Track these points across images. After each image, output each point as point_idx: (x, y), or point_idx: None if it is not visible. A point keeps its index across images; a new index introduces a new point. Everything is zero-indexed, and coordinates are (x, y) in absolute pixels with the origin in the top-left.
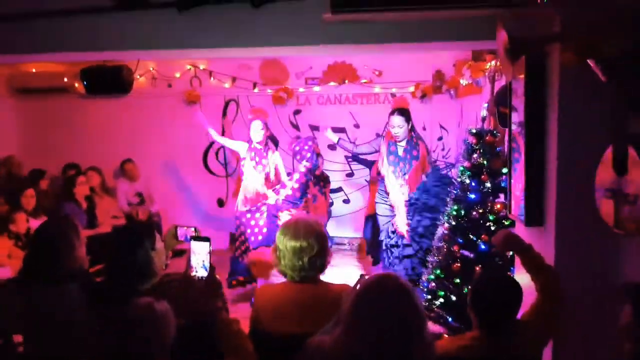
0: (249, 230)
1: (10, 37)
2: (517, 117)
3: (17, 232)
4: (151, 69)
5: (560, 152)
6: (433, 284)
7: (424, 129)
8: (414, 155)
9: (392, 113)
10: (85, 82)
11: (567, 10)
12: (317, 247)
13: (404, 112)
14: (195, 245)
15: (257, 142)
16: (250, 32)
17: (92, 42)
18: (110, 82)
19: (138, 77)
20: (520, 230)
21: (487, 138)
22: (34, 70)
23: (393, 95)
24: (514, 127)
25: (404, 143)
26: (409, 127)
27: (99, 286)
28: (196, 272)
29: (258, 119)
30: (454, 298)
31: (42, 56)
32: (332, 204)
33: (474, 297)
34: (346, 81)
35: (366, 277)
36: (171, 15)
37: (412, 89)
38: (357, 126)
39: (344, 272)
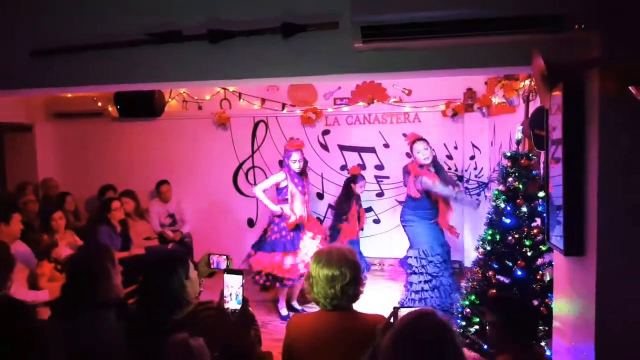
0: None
1: (47, 72)
2: (554, 140)
3: (56, 257)
4: (182, 92)
5: (601, 180)
6: (467, 310)
7: (456, 147)
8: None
9: (412, 143)
10: (118, 106)
11: (605, 35)
12: (349, 276)
13: (422, 139)
14: (228, 278)
15: (297, 170)
16: (280, 62)
17: (126, 74)
18: (142, 106)
19: (169, 100)
20: (559, 259)
21: (523, 161)
22: (69, 95)
23: (404, 134)
24: (551, 150)
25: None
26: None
27: (134, 315)
28: (229, 304)
29: (297, 150)
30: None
31: (77, 89)
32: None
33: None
34: (375, 101)
35: (400, 309)
36: (203, 48)
37: (442, 107)
38: (386, 146)
39: (375, 292)
